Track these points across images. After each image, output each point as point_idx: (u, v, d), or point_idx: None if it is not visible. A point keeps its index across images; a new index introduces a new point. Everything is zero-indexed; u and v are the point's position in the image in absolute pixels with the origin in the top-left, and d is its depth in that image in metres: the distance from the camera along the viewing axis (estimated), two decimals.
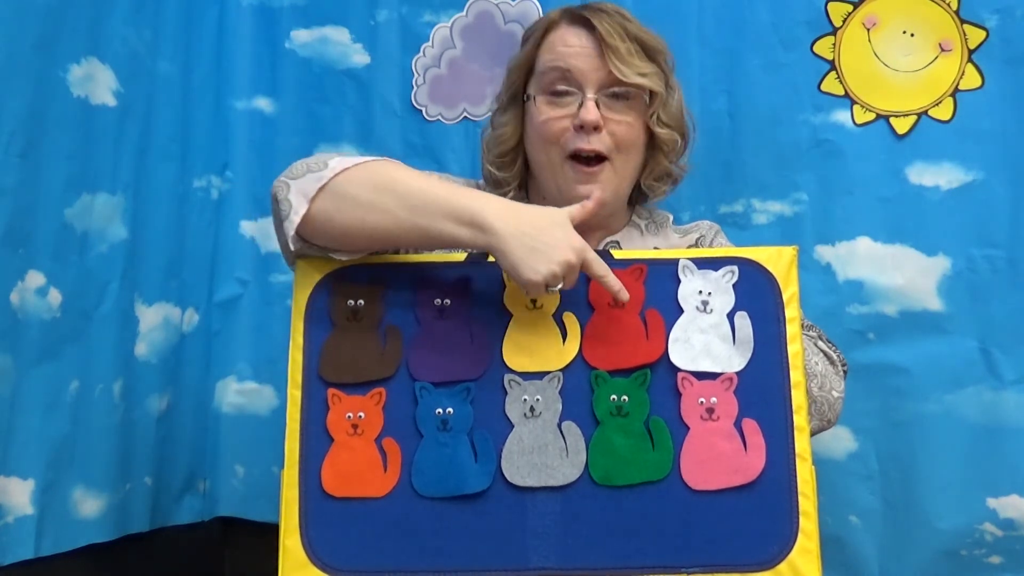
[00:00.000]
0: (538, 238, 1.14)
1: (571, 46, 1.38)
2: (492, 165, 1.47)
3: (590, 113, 1.35)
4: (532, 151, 1.43)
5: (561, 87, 1.38)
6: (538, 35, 1.43)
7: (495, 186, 1.47)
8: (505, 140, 1.46)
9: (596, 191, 1.31)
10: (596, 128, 1.36)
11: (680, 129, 1.44)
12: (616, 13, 1.40)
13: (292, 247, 1.23)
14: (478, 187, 1.49)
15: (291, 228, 1.20)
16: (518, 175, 1.46)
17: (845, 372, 1.40)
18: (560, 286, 1.16)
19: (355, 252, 1.24)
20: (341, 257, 1.23)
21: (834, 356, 1.39)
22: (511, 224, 1.14)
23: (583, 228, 1.40)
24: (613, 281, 1.18)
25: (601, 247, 1.42)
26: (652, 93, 1.38)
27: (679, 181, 1.52)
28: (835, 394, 1.34)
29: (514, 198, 1.43)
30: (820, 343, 1.39)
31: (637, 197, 1.50)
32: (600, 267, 1.17)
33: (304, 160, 1.25)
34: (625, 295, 1.19)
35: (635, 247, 1.44)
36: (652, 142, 1.43)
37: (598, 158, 1.38)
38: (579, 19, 1.40)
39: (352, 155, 1.27)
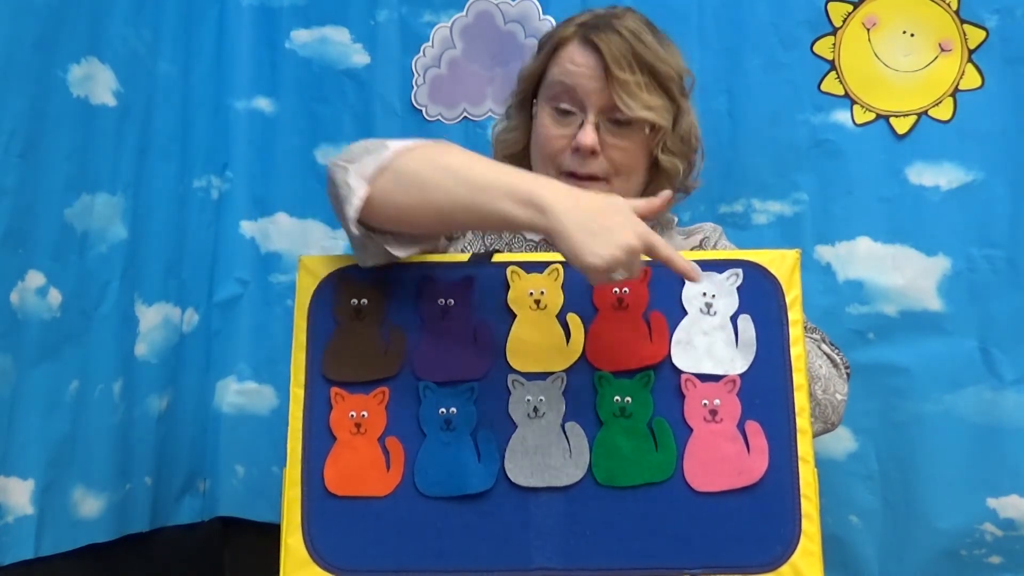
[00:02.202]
0: (599, 220, 1.08)
1: (579, 65, 1.36)
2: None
3: (587, 137, 1.34)
4: (533, 160, 1.43)
5: (564, 105, 1.37)
6: (550, 47, 1.41)
7: None
8: (513, 144, 1.47)
9: None
10: (593, 152, 1.35)
11: (686, 156, 1.42)
12: (632, 34, 1.36)
13: (355, 231, 1.20)
14: None
15: (352, 211, 1.18)
16: None
17: (848, 375, 1.40)
18: (623, 275, 1.11)
19: (414, 242, 1.22)
20: (398, 252, 1.21)
21: (837, 359, 1.39)
22: (570, 206, 1.10)
23: None
24: (683, 263, 1.12)
25: None
26: (656, 125, 1.37)
27: (689, 193, 1.51)
28: (839, 397, 1.34)
29: None
30: (823, 346, 1.39)
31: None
32: (666, 249, 1.11)
33: (359, 143, 1.23)
34: (697, 274, 1.13)
35: None
36: (655, 165, 1.42)
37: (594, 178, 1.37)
38: (590, 40, 1.36)
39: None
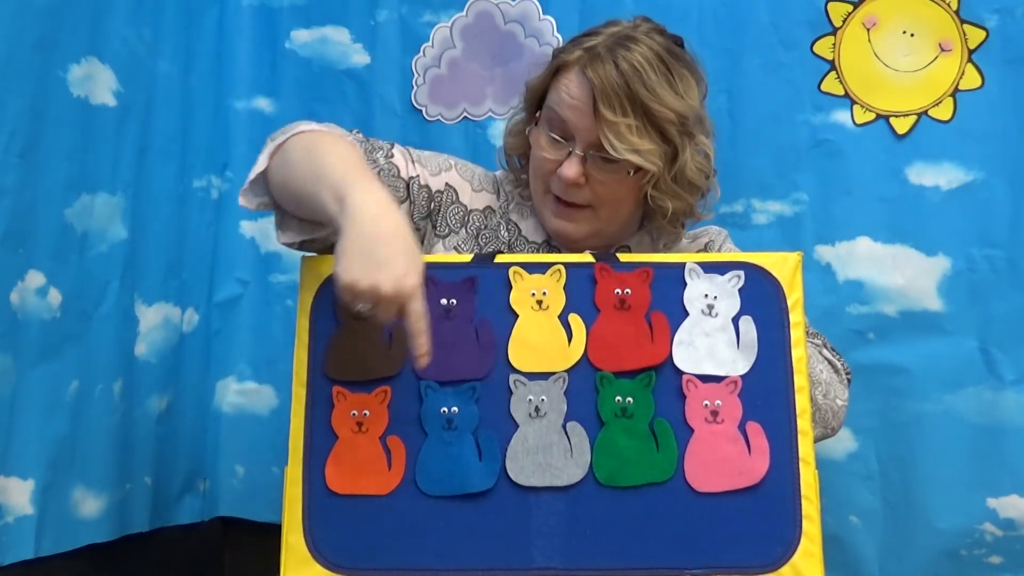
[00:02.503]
0: (380, 249, 1.07)
1: (573, 98, 1.33)
2: (509, 163, 1.49)
3: (570, 170, 1.33)
4: (529, 170, 1.43)
5: (555, 134, 1.35)
6: (553, 68, 1.39)
7: (515, 173, 1.48)
8: (520, 147, 1.46)
9: (570, 229, 1.37)
10: (576, 184, 1.33)
11: (680, 196, 1.37)
12: (634, 70, 1.30)
13: (240, 201, 1.32)
14: (495, 179, 1.49)
15: (247, 180, 1.29)
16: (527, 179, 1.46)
17: (849, 380, 1.41)
18: (363, 306, 1.11)
19: (295, 226, 1.30)
20: (279, 236, 1.32)
21: (838, 364, 1.39)
22: (368, 222, 1.08)
23: (573, 216, 1.39)
24: (420, 343, 1.09)
25: (611, 251, 1.41)
26: (640, 169, 1.32)
27: (701, 219, 1.47)
28: (839, 402, 1.34)
29: (526, 192, 1.45)
30: (824, 351, 1.39)
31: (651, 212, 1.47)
32: (416, 324, 1.09)
33: (287, 126, 1.31)
34: (424, 362, 1.11)
35: (644, 251, 1.44)
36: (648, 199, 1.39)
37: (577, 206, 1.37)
38: (586, 75, 1.31)
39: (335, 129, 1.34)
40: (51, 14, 1.51)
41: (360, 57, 1.96)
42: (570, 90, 1.33)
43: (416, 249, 1.11)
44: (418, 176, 1.38)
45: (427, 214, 1.39)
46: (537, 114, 1.41)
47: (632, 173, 1.33)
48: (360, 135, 1.39)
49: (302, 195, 1.21)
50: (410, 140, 1.90)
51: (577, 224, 1.37)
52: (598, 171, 1.33)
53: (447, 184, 1.41)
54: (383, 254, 1.07)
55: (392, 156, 1.37)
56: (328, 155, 1.20)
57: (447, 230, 1.40)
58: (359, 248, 1.07)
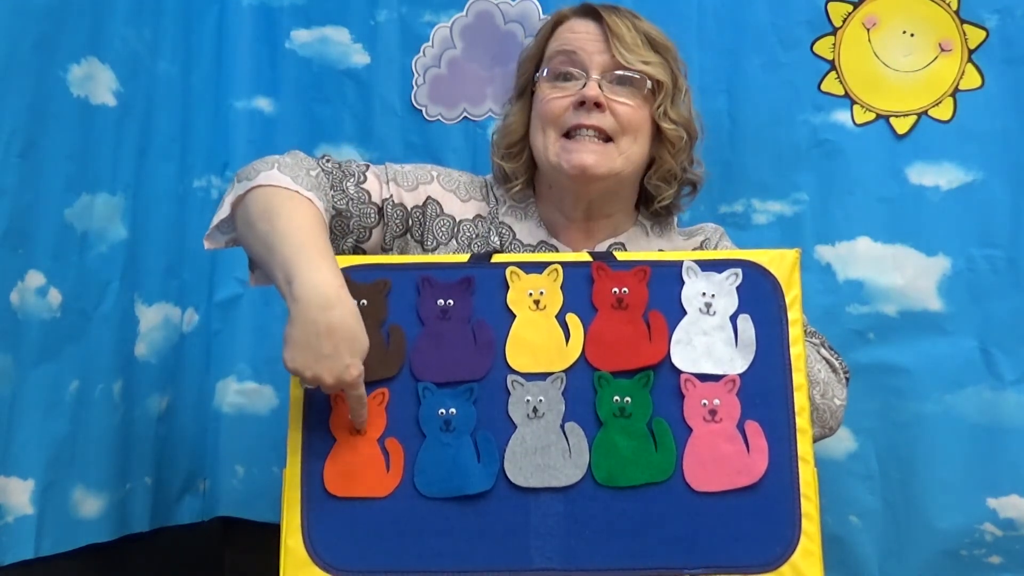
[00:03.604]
0: (324, 340, 1.13)
1: (579, 32, 1.40)
2: (500, 159, 1.47)
3: (591, 89, 1.36)
4: (532, 135, 1.43)
5: (566, 69, 1.39)
6: (548, 28, 1.45)
7: (503, 181, 1.47)
8: (513, 131, 1.46)
9: (589, 159, 1.35)
10: (598, 104, 1.35)
11: (688, 127, 1.43)
12: (627, 11, 1.42)
13: (205, 243, 1.35)
14: (485, 184, 1.48)
15: (210, 226, 1.33)
16: (525, 169, 1.45)
17: (847, 380, 1.41)
18: (309, 386, 1.18)
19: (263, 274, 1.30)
20: (250, 279, 1.37)
21: (836, 364, 1.39)
22: (313, 311, 1.13)
23: (588, 228, 1.40)
24: (357, 415, 1.18)
25: (606, 248, 1.41)
26: (657, 82, 1.39)
27: (697, 187, 1.51)
28: (837, 402, 1.34)
29: (519, 194, 1.45)
30: (823, 350, 1.39)
31: (645, 200, 1.49)
32: (357, 403, 1.17)
33: (259, 161, 1.32)
34: (362, 427, 1.19)
35: (640, 249, 1.44)
36: (657, 138, 1.42)
37: (600, 135, 1.37)
38: (589, 12, 1.41)
39: (301, 165, 1.32)
40: (51, 14, 1.51)
41: (360, 57, 1.96)
42: (575, 28, 1.41)
43: (359, 335, 1.16)
44: (391, 196, 1.38)
45: (404, 231, 1.40)
46: (535, 81, 1.43)
47: (648, 90, 1.38)
48: (331, 163, 1.38)
49: (258, 260, 1.26)
50: (410, 140, 1.92)
51: (596, 155, 1.36)
52: (616, 94, 1.37)
53: (428, 197, 1.41)
54: (326, 348, 1.13)
55: (364, 181, 1.37)
56: (282, 224, 1.21)
57: (435, 243, 1.40)
58: (304, 340, 1.13)
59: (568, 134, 1.37)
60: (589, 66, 1.38)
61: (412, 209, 1.39)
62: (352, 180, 1.36)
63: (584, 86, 1.37)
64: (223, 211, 1.30)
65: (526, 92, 1.46)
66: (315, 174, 1.31)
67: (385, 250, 1.39)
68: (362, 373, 1.15)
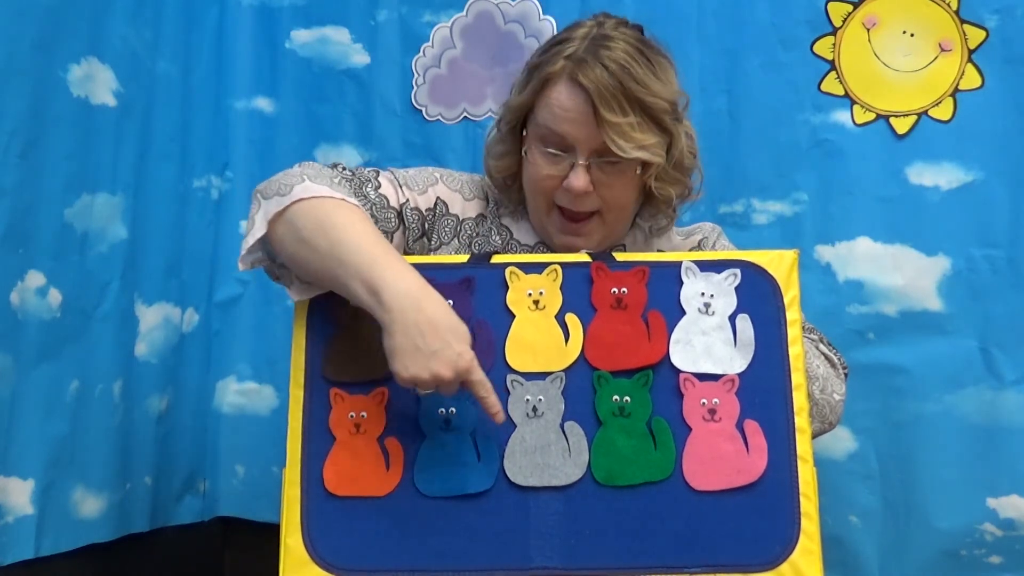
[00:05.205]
0: (428, 338, 1.12)
1: (567, 110, 1.30)
2: (493, 181, 1.46)
3: (578, 181, 1.31)
4: (526, 189, 1.41)
5: (553, 150, 1.33)
6: (538, 83, 1.34)
7: (500, 189, 1.46)
8: (506, 169, 1.42)
9: (580, 243, 1.34)
10: (585, 192, 1.32)
11: (680, 181, 1.38)
12: (621, 68, 1.29)
13: (240, 266, 1.28)
14: (483, 183, 1.48)
15: (244, 248, 1.26)
16: (519, 193, 1.43)
17: (846, 375, 1.40)
18: (426, 391, 1.17)
19: (304, 284, 1.26)
20: (292, 293, 1.27)
21: (835, 359, 1.39)
22: (409, 313, 1.13)
23: (581, 230, 1.39)
24: (491, 403, 1.15)
25: (607, 250, 1.41)
26: (648, 164, 1.33)
27: (689, 200, 1.47)
28: (836, 397, 1.34)
29: (515, 198, 1.44)
30: (821, 346, 1.39)
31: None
32: (482, 388, 1.15)
33: (281, 176, 1.27)
34: (500, 419, 1.16)
35: (639, 249, 1.44)
36: (650, 192, 1.38)
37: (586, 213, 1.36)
38: (578, 82, 1.29)
39: (324, 174, 1.29)
40: (51, 14, 1.51)
41: (360, 57, 1.96)
42: (562, 102, 1.31)
43: (458, 322, 1.16)
44: (407, 200, 1.37)
45: (421, 235, 1.38)
46: (524, 132, 1.38)
47: (639, 170, 1.33)
48: (347, 171, 1.35)
49: (324, 277, 1.21)
50: (410, 140, 1.92)
51: (586, 237, 1.36)
52: (605, 175, 1.32)
53: (437, 199, 1.40)
54: (433, 344, 1.12)
55: (380, 187, 1.36)
56: (343, 235, 1.19)
57: (439, 243, 1.39)
58: (409, 345, 1.12)
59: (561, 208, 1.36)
60: (578, 149, 1.31)
61: (426, 212, 1.38)
62: (370, 185, 1.35)
63: (572, 169, 1.32)
64: (258, 230, 1.24)
65: (516, 135, 1.40)
66: (338, 180, 1.30)
67: (407, 254, 1.38)
68: (474, 357, 1.14)
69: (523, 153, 1.38)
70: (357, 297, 1.16)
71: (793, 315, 1.22)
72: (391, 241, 1.33)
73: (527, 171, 1.38)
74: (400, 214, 1.35)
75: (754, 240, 1.77)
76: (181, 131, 1.86)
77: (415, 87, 1.93)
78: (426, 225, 1.38)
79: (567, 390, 1.20)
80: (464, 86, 1.92)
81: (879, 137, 1.78)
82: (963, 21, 1.74)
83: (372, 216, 1.30)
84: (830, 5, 1.79)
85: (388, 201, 1.35)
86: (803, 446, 1.18)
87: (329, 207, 1.22)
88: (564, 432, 1.19)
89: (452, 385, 1.14)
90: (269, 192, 1.25)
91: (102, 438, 1.64)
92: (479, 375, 1.15)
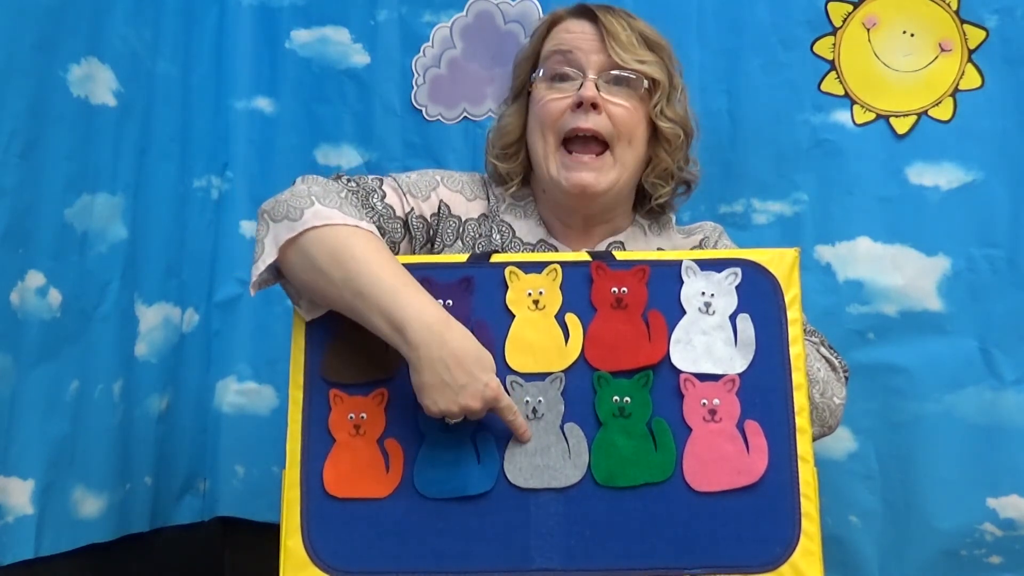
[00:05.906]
0: (454, 372, 1.14)
1: (575, 32, 1.40)
2: (496, 159, 1.46)
3: (588, 89, 1.35)
4: (531, 139, 1.43)
5: (563, 69, 1.39)
6: (543, 29, 1.45)
7: (498, 181, 1.46)
8: (509, 132, 1.46)
9: (588, 178, 1.35)
10: (595, 106, 1.35)
11: (684, 125, 1.43)
12: (622, 11, 1.42)
13: (251, 290, 1.27)
14: (483, 181, 1.48)
15: (254, 274, 1.25)
16: (521, 169, 1.45)
17: (847, 378, 1.40)
18: (456, 421, 1.17)
19: (316, 306, 1.25)
20: (302, 312, 1.25)
21: (836, 362, 1.39)
22: (433, 348, 1.14)
23: (587, 231, 1.40)
24: (518, 425, 1.18)
25: (605, 248, 1.41)
26: (653, 82, 1.38)
27: (692, 187, 1.50)
28: (836, 400, 1.34)
29: (517, 192, 1.44)
30: (822, 349, 1.39)
31: (641, 198, 1.49)
32: (510, 412, 1.17)
33: (289, 197, 1.25)
34: (528, 437, 1.19)
35: (639, 248, 1.44)
36: (654, 137, 1.42)
37: (597, 141, 1.37)
38: (584, 12, 1.41)
39: (331, 191, 1.28)
40: (51, 14, 1.51)
41: (360, 57, 1.96)
42: (571, 28, 1.41)
43: (482, 351, 1.17)
44: (413, 209, 1.37)
45: (426, 242, 1.39)
46: (531, 82, 1.43)
47: (645, 89, 1.37)
48: (351, 181, 1.34)
49: (340, 306, 1.21)
50: (410, 140, 1.92)
51: (597, 172, 1.36)
52: (613, 94, 1.37)
53: (440, 202, 1.40)
54: (460, 379, 1.14)
55: (385, 196, 1.35)
56: (360, 268, 1.19)
57: (442, 246, 1.40)
58: (438, 381, 1.14)
59: (567, 143, 1.37)
60: (585, 66, 1.37)
61: (430, 218, 1.38)
62: (376, 196, 1.34)
63: (581, 86, 1.36)
64: (268, 255, 1.23)
65: (522, 93, 1.46)
66: (344, 196, 1.29)
67: None
68: (499, 385, 1.17)
69: (528, 99, 1.43)
70: (379, 331, 1.17)
71: (794, 314, 1.22)
72: (397, 251, 1.35)
73: (534, 110, 1.42)
74: (406, 223, 1.36)
75: (754, 240, 1.77)
76: (181, 131, 1.86)
77: (415, 87, 1.93)
78: (431, 232, 1.39)
79: (567, 391, 1.20)
80: (464, 86, 1.92)
81: (879, 137, 1.78)
82: (963, 21, 1.74)
83: (380, 228, 1.30)
84: (830, 5, 1.79)
85: (394, 211, 1.35)
86: (804, 446, 1.18)
87: (343, 236, 1.22)
88: (564, 433, 1.19)
89: (480, 413, 1.16)
90: (277, 215, 1.23)
91: (102, 438, 1.64)
92: (506, 400, 1.17)
